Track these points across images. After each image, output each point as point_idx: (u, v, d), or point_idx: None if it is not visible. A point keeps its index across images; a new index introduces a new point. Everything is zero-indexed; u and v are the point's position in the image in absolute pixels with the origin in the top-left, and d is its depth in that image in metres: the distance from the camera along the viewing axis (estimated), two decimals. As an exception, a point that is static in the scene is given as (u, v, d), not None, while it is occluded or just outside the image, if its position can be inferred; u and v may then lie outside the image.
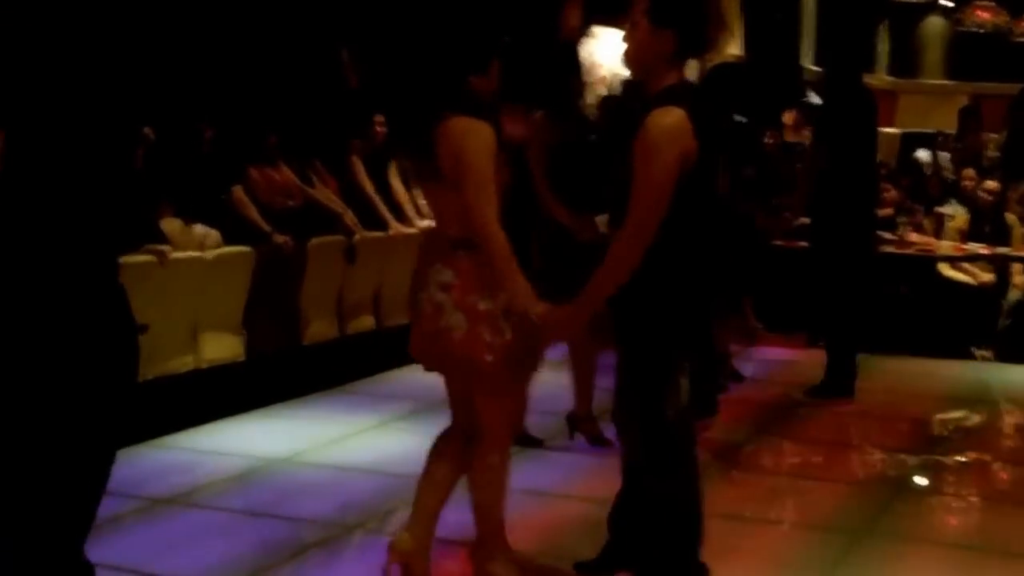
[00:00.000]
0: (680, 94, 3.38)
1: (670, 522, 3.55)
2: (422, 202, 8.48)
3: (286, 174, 7.12)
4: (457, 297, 3.62)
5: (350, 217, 7.34)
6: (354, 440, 5.70)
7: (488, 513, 3.87)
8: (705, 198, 3.46)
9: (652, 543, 3.58)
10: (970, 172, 10.10)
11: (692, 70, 5.74)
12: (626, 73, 8.32)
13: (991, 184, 9.24)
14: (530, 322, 3.57)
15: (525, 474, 4.93)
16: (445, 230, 3.72)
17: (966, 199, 9.67)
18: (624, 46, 3.46)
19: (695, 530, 3.60)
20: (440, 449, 3.88)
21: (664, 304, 3.44)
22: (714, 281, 3.66)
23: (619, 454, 3.81)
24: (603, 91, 9.91)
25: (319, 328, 7.02)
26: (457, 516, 3.99)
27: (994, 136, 12.32)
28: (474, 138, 3.56)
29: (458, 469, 3.87)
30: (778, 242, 8.45)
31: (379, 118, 7.94)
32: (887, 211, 8.84)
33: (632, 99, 6.13)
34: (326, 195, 7.41)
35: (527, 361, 3.75)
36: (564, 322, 3.53)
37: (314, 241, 6.99)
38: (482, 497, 3.87)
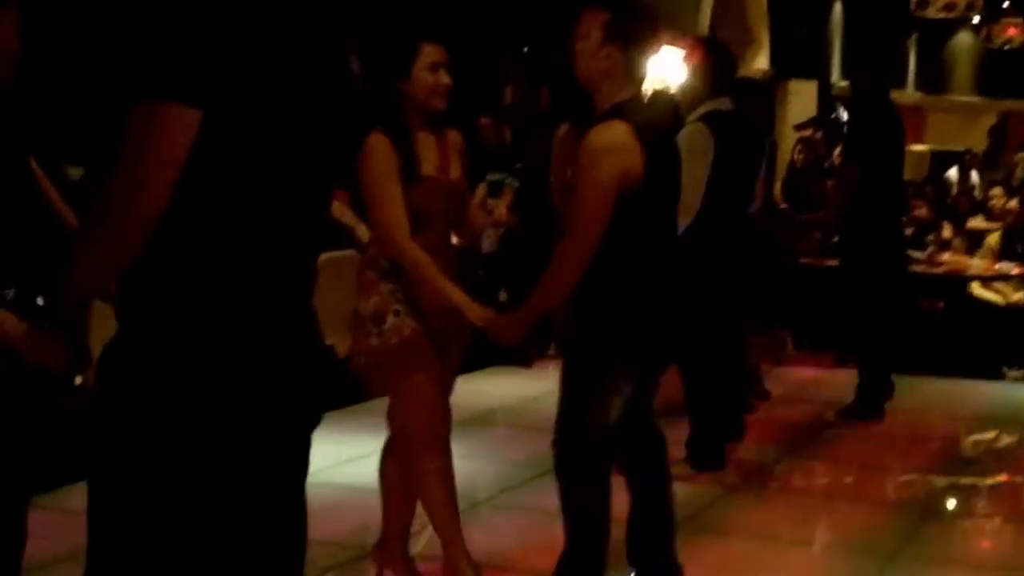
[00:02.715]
0: (628, 110, 3.39)
1: (573, 533, 3.64)
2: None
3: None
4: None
5: (362, 231, 7.23)
6: (371, 459, 5.42)
7: (439, 520, 3.77)
8: (653, 217, 3.47)
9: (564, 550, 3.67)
10: (998, 191, 10.00)
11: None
12: (652, 86, 8.25)
13: (1014, 204, 9.17)
14: (422, 323, 3.60)
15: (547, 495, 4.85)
16: None
17: (995, 217, 9.58)
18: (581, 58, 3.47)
19: (598, 547, 3.64)
20: (383, 456, 3.92)
21: (600, 320, 3.49)
22: (666, 302, 3.62)
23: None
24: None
25: (332, 345, 6.91)
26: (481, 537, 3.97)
27: (1022, 155, 12.21)
28: (370, 158, 3.53)
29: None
30: (807, 260, 8.37)
31: None
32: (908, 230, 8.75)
33: (657, 111, 6.07)
34: (338, 208, 7.32)
35: (411, 363, 3.63)
36: (507, 328, 3.57)
37: (324, 255, 6.88)
38: (425, 504, 3.79)
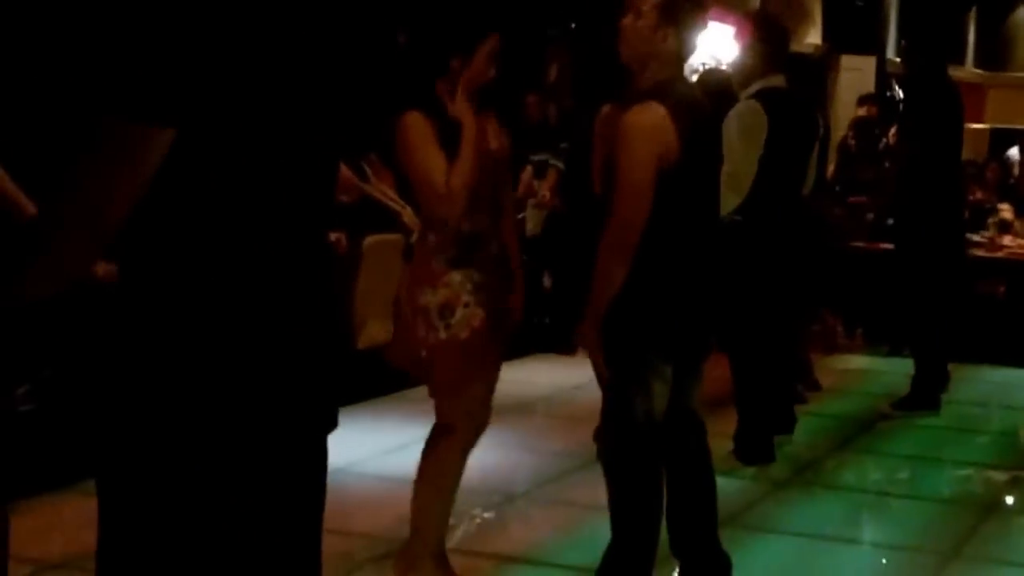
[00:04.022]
0: (666, 90, 3.43)
1: (622, 526, 3.61)
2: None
3: (341, 169, 6.96)
4: (404, 289, 3.71)
5: (408, 215, 7.18)
6: (411, 450, 5.38)
7: (426, 511, 3.78)
8: (690, 199, 3.49)
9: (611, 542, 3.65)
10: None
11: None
12: (698, 65, 8.06)
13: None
14: (487, 309, 3.59)
15: (587, 488, 4.75)
16: None
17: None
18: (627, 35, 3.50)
19: (648, 542, 3.61)
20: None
21: (633, 304, 3.48)
22: (705, 285, 3.62)
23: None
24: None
25: (374, 331, 6.82)
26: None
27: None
28: (407, 132, 3.59)
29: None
30: (860, 244, 8.23)
31: None
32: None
33: (696, 90, 5.94)
34: (383, 191, 7.26)
35: (476, 360, 3.63)
36: (586, 339, 3.58)
37: (369, 239, 6.82)
38: (424, 491, 3.78)
